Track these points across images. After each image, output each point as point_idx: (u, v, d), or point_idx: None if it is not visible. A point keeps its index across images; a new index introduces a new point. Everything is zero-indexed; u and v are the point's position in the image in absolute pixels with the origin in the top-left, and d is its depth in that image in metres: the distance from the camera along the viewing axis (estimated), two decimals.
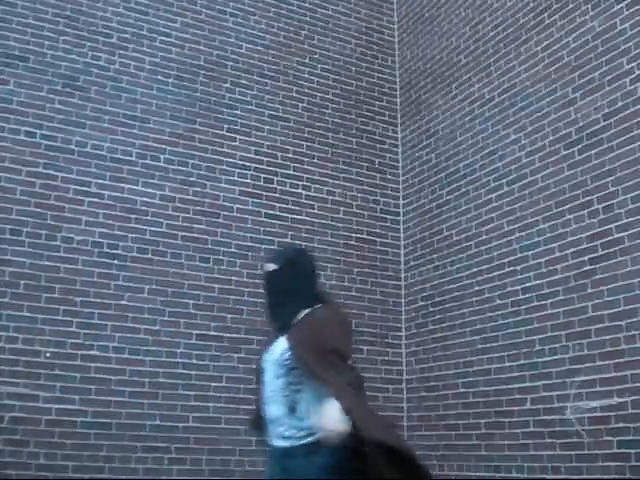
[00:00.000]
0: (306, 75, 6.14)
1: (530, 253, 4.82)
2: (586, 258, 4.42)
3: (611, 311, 4.18)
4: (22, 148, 4.93)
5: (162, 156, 5.38)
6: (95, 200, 5.08)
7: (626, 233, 4.19)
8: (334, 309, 3.20)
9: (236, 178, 5.60)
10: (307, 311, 3.09)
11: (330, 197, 5.93)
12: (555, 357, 4.48)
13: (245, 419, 4.24)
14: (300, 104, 6.04)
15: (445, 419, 5.28)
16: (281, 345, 3.03)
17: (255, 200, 5.62)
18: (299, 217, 5.75)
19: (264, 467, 3.17)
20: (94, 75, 5.30)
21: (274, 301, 3.19)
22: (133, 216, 5.17)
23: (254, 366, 3.31)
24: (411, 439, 5.57)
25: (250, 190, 5.62)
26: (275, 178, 5.75)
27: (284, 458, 2.97)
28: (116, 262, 5.02)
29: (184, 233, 5.30)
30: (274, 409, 3.02)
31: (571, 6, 4.86)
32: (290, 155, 5.86)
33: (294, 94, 6.04)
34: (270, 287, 3.20)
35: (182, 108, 5.55)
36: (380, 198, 6.15)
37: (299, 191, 5.81)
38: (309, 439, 2.90)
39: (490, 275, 5.11)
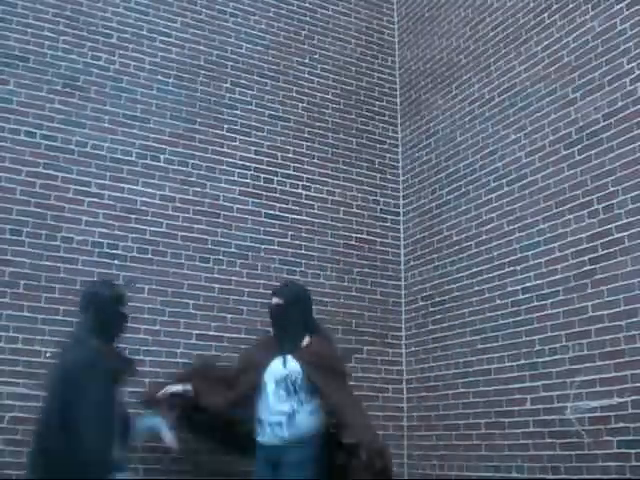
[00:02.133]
0: (306, 75, 6.14)
1: (530, 253, 4.82)
2: (586, 258, 4.42)
3: (611, 311, 4.18)
4: (22, 148, 4.93)
5: (162, 156, 5.38)
6: (95, 200, 5.07)
7: (626, 233, 4.19)
8: (330, 337, 4.29)
9: (236, 178, 5.60)
10: (309, 338, 4.04)
11: (330, 197, 5.92)
12: (555, 357, 4.48)
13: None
14: (300, 104, 6.04)
15: (445, 419, 5.28)
16: (290, 365, 3.92)
17: (255, 200, 5.62)
18: (299, 217, 5.75)
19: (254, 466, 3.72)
20: (94, 75, 5.30)
21: (282, 330, 4.06)
22: (133, 216, 5.16)
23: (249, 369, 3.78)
24: (411, 439, 5.58)
25: (250, 190, 5.62)
26: (275, 178, 5.75)
27: (276, 454, 3.79)
28: (116, 262, 5.02)
29: (184, 233, 5.30)
30: (277, 416, 3.86)
31: (571, 6, 4.86)
32: (290, 155, 5.86)
33: (294, 94, 6.04)
34: (277, 319, 4.10)
35: (182, 108, 5.55)
36: (380, 198, 6.15)
37: (299, 191, 5.81)
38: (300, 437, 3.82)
39: (490, 275, 5.11)
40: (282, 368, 3.94)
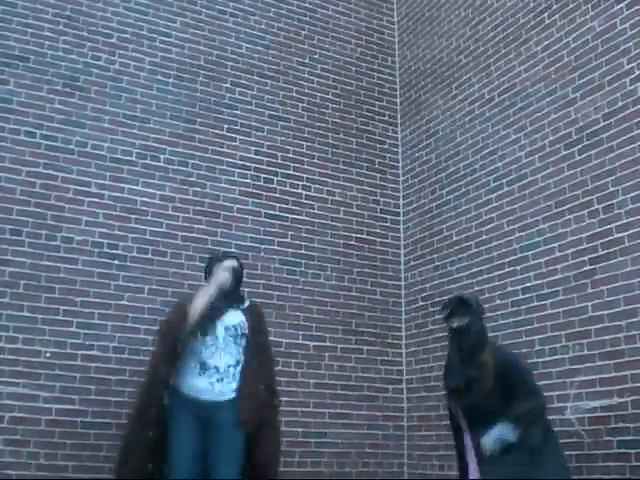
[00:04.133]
0: (306, 75, 6.14)
1: (530, 253, 4.82)
2: (586, 258, 4.42)
3: (611, 311, 4.18)
4: (22, 148, 4.93)
5: (162, 156, 5.38)
6: (95, 200, 5.07)
7: (626, 233, 4.20)
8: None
9: (236, 178, 5.60)
10: (249, 301, 4.07)
11: (330, 197, 5.92)
12: (555, 357, 4.48)
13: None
14: (300, 104, 6.04)
15: (445, 419, 5.25)
16: (234, 317, 3.88)
17: (255, 200, 5.62)
18: (299, 217, 5.75)
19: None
20: (94, 75, 5.30)
21: None
22: (133, 216, 5.16)
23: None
24: (411, 439, 5.58)
25: (250, 190, 5.62)
26: (275, 178, 5.75)
27: (208, 410, 3.65)
28: (116, 262, 5.02)
29: (184, 233, 5.30)
30: (226, 359, 3.76)
31: (571, 6, 4.86)
32: (290, 155, 5.86)
33: (294, 94, 6.04)
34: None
35: (182, 108, 5.55)
36: (380, 198, 6.15)
37: (299, 191, 5.81)
38: (233, 395, 3.71)
39: (490, 275, 5.11)
40: (228, 319, 3.90)
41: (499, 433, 3.39)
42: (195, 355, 3.81)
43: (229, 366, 3.75)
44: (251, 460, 3.77)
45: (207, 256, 4.50)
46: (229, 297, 3.94)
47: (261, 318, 4.08)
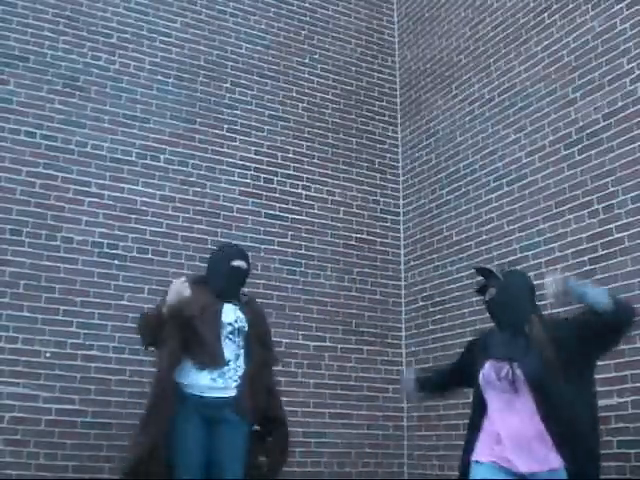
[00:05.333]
0: (306, 75, 6.14)
1: (530, 253, 4.82)
2: (586, 258, 4.42)
3: None
4: (22, 148, 4.93)
5: (162, 156, 5.38)
6: (95, 200, 5.07)
7: (626, 233, 4.20)
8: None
9: (236, 178, 5.60)
10: (247, 295, 4.01)
11: (330, 197, 5.92)
12: None
13: None
14: (300, 104, 6.04)
15: (445, 419, 5.27)
16: (234, 314, 3.80)
17: (255, 200, 5.62)
18: (299, 217, 5.75)
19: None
20: (94, 75, 5.30)
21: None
22: (133, 216, 5.16)
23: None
24: (411, 439, 5.58)
25: (250, 190, 5.62)
26: (275, 178, 5.75)
27: (212, 409, 3.58)
28: (116, 262, 5.02)
29: (184, 233, 5.30)
30: (226, 354, 3.69)
31: (571, 6, 4.86)
32: (290, 155, 5.86)
33: (294, 94, 6.04)
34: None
35: (182, 108, 5.55)
36: (380, 198, 6.15)
37: (299, 191, 5.81)
38: (236, 391, 3.66)
39: None
40: (228, 315, 3.81)
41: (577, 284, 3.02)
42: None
43: (229, 361, 3.72)
44: (258, 454, 3.77)
45: (216, 247, 4.32)
46: (226, 295, 3.88)
47: (261, 312, 4.05)
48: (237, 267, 3.93)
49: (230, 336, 3.77)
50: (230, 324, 3.79)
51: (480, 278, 3.47)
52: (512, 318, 3.23)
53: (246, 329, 3.82)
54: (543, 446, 2.98)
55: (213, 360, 3.66)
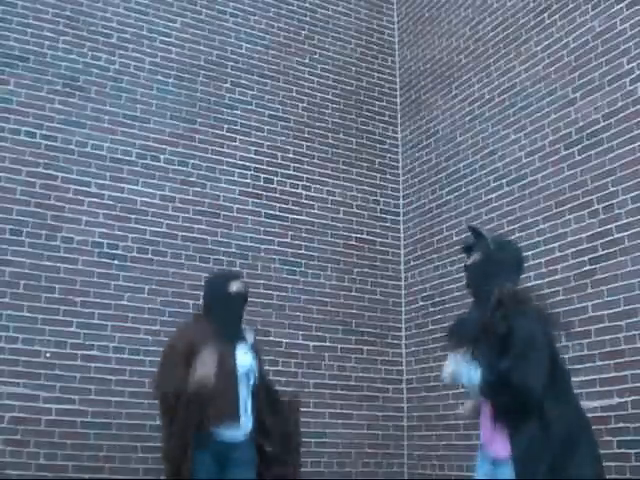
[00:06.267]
0: (306, 75, 6.14)
1: (530, 253, 4.81)
2: (586, 258, 4.42)
3: (611, 311, 4.18)
4: (22, 148, 4.93)
5: (162, 156, 5.38)
6: (95, 200, 5.07)
7: (626, 233, 4.19)
8: None
9: (236, 178, 5.60)
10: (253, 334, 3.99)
11: (330, 197, 5.92)
12: None
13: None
14: (300, 104, 6.04)
15: (445, 419, 5.28)
16: (247, 357, 3.78)
17: (255, 200, 5.62)
18: (299, 217, 5.75)
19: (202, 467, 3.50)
20: (94, 75, 5.30)
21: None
22: (133, 216, 5.16)
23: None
24: (411, 439, 5.58)
25: (250, 190, 5.62)
26: (275, 178, 5.75)
27: (226, 448, 3.56)
28: (116, 262, 5.02)
29: (184, 233, 5.30)
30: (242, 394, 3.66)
31: (571, 6, 4.86)
32: (290, 155, 5.86)
33: (294, 94, 6.04)
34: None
35: (182, 108, 5.55)
36: (380, 198, 6.15)
37: (299, 191, 5.81)
38: (249, 431, 3.68)
39: None
40: (240, 359, 3.76)
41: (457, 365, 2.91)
42: None
43: (245, 401, 3.70)
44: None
45: (209, 276, 4.20)
46: (231, 332, 3.81)
47: (261, 349, 4.08)
48: (237, 292, 3.87)
49: (243, 379, 3.74)
50: (243, 367, 3.74)
51: (470, 236, 3.24)
52: (483, 292, 3.04)
53: (256, 373, 3.81)
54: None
55: (232, 417, 3.61)
